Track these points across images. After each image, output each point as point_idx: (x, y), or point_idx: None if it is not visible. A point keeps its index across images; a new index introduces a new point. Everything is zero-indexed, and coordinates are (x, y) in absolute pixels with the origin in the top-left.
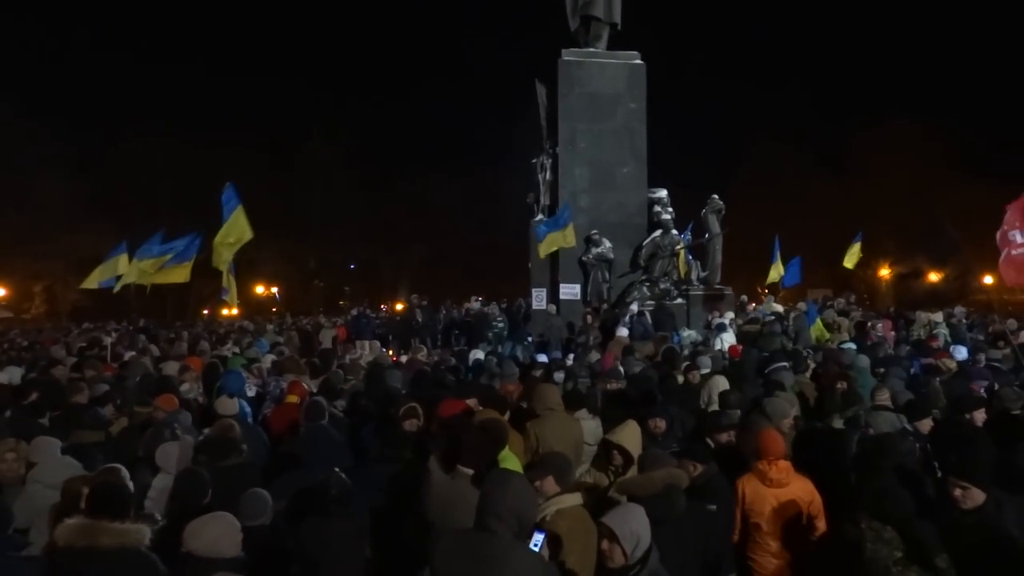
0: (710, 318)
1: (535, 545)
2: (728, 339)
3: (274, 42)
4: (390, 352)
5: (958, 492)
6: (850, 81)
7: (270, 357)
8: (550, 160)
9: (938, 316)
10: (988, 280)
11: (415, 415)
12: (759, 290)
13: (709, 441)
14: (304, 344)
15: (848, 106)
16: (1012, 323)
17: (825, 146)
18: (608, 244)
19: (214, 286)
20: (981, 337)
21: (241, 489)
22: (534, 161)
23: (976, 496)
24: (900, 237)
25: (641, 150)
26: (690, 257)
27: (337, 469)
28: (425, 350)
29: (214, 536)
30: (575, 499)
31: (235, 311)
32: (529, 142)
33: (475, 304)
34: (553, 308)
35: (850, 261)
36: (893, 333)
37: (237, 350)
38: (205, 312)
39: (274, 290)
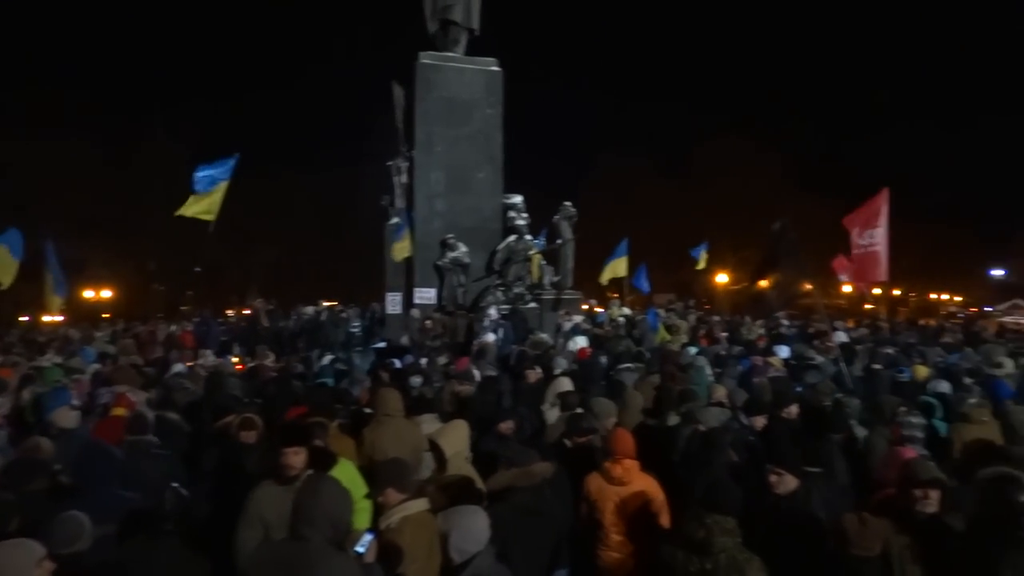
0: (561, 322)
1: (361, 547)
2: (581, 342)
3: (109, 36)
4: (236, 359)
5: (774, 478)
6: (695, 94)
7: (95, 367)
8: (406, 163)
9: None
10: (808, 286)
11: (252, 426)
12: (608, 295)
13: (567, 442)
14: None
15: (692, 118)
16: (839, 324)
17: (670, 157)
18: (464, 248)
19: (34, 290)
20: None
21: (55, 514)
22: (390, 164)
23: (789, 482)
24: (737, 245)
25: (497, 155)
26: (544, 262)
27: (176, 484)
28: (271, 357)
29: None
30: (420, 505)
31: (59, 317)
32: (385, 144)
33: (309, 309)
34: (417, 312)
35: (699, 264)
36: (727, 334)
37: (59, 360)
38: (24, 319)
39: None
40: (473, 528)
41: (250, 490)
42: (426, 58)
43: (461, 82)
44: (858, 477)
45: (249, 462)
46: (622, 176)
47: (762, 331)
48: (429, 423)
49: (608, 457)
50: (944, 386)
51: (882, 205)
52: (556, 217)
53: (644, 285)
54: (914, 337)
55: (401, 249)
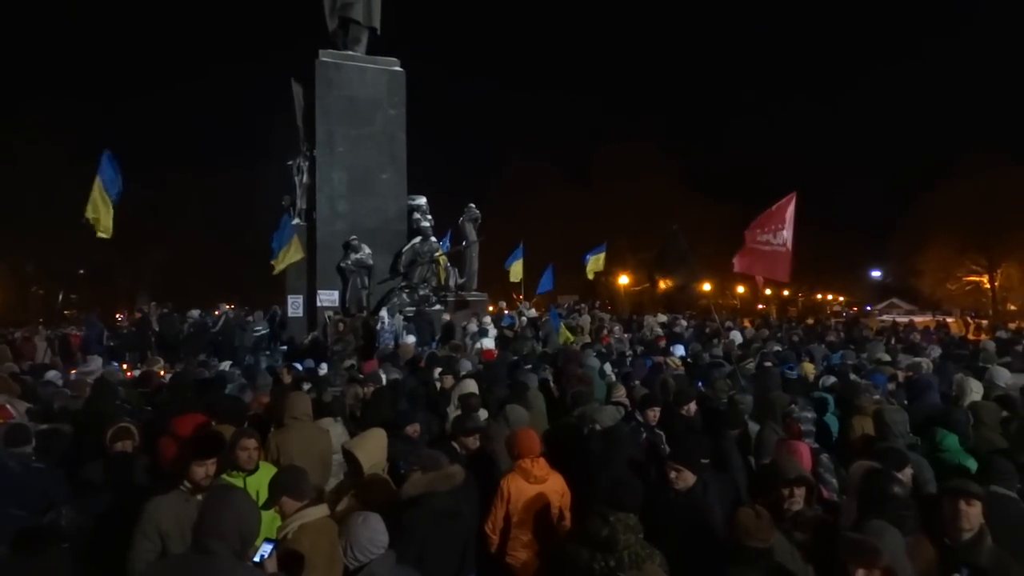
0: (466, 323)
1: (261, 556)
2: (486, 343)
3: None
4: (124, 366)
5: (673, 474)
6: (598, 98)
7: None
8: (307, 163)
9: (662, 319)
10: (707, 287)
11: (127, 435)
12: (515, 296)
13: (455, 445)
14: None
15: (595, 121)
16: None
17: (575, 159)
18: (367, 250)
19: None
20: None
21: None
22: (290, 163)
23: (688, 478)
24: (637, 248)
25: (401, 156)
26: (449, 264)
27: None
28: (162, 362)
29: None
30: (319, 511)
31: None
32: (285, 144)
33: (195, 313)
34: (333, 313)
35: (594, 268)
36: (628, 334)
37: None
38: None
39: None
40: (369, 534)
41: (138, 502)
42: (326, 56)
43: (363, 81)
44: (751, 471)
45: (135, 473)
46: (528, 178)
47: (661, 331)
48: (331, 428)
49: (516, 458)
50: (831, 381)
51: (790, 207)
52: (461, 219)
53: (550, 285)
54: (799, 335)
55: (285, 257)
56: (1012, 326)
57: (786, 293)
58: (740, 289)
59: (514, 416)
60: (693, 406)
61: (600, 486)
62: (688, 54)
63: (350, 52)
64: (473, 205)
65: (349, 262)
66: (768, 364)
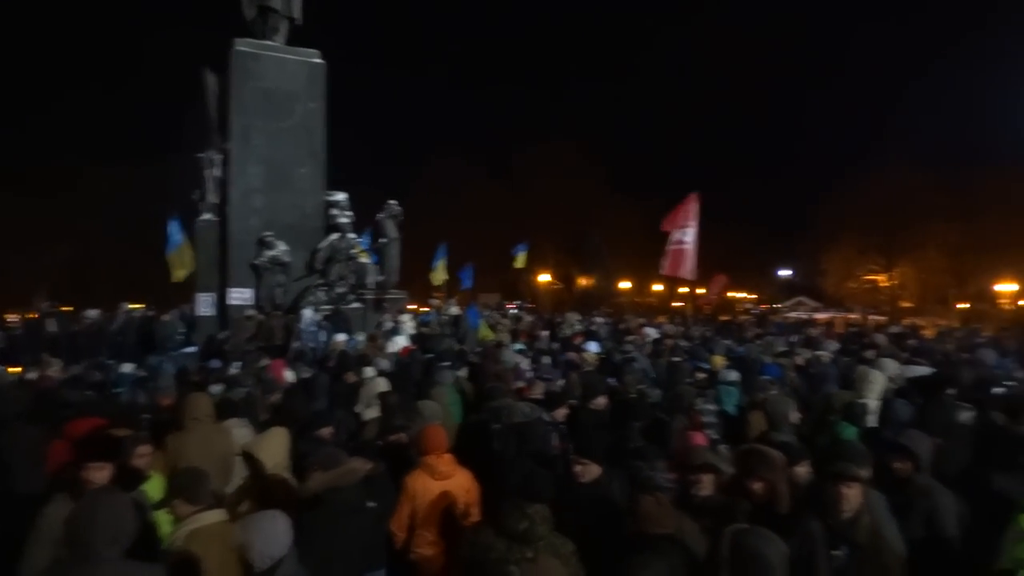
0: (383, 321)
1: None
2: (401, 341)
3: None
4: (15, 368)
5: (579, 468)
6: (522, 95)
7: None
8: (220, 156)
9: (576, 315)
10: (626, 285)
11: (19, 440)
12: (435, 294)
13: (380, 442)
14: None
15: (516, 120)
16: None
17: (497, 157)
18: (283, 247)
19: None
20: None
21: None
22: (201, 156)
23: (593, 471)
24: (558, 246)
25: (320, 151)
26: (374, 261)
27: None
28: (58, 365)
29: None
30: (214, 516)
31: None
32: (197, 135)
33: (92, 313)
34: (253, 312)
35: (519, 264)
36: (548, 332)
37: None
38: None
39: None
40: (274, 533)
41: (31, 509)
42: (243, 45)
43: (282, 73)
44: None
45: (25, 480)
46: (450, 175)
47: (579, 328)
48: (237, 429)
49: (423, 454)
50: (734, 375)
51: (692, 206)
52: (381, 215)
53: (469, 283)
54: (710, 332)
55: (179, 264)
56: (906, 322)
57: (701, 291)
58: (657, 287)
59: (428, 412)
60: (602, 400)
61: (511, 481)
62: (610, 54)
63: (268, 42)
64: (394, 202)
65: (264, 259)
66: (677, 359)
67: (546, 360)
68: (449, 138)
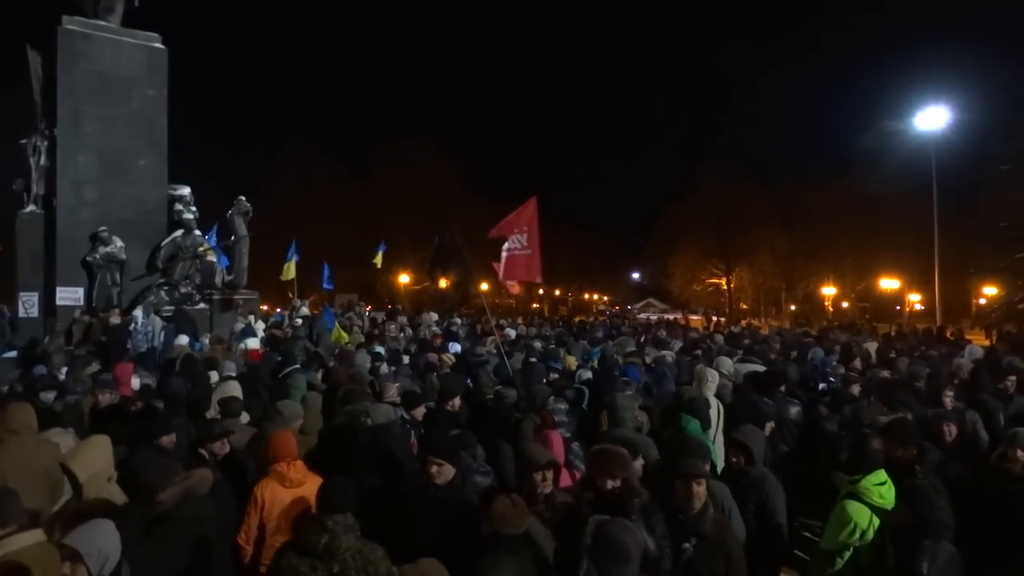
0: (234, 323)
1: None
2: (252, 343)
3: None
4: None
5: (434, 469)
6: (381, 92)
7: None
8: (46, 143)
9: (435, 317)
10: (484, 287)
11: None
12: (289, 295)
13: (203, 452)
14: None
15: (376, 115)
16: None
17: (352, 156)
18: (120, 243)
19: None
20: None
21: None
22: (24, 142)
23: (448, 471)
24: (418, 246)
25: (161, 142)
26: (223, 260)
27: None
28: None
29: None
30: (29, 538)
31: None
32: (18, 119)
33: None
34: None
35: (377, 263)
36: (409, 332)
37: None
38: None
39: None
40: (105, 542)
41: None
42: (71, 24)
43: (117, 56)
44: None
45: None
46: (305, 170)
47: (437, 329)
48: (61, 439)
49: (272, 462)
50: (588, 374)
51: (532, 211)
52: (230, 212)
53: (328, 283)
54: (564, 332)
55: None
56: (744, 322)
57: (557, 293)
58: (516, 289)
59: (288, 412)
60: (458, 401)
61: (368, 485)
62: (472, 58)
63: (102, 22)
64: (243, 198)
65: (97, 256)
66: (533, 360)
67: (405, 361)
68: (303, 132)
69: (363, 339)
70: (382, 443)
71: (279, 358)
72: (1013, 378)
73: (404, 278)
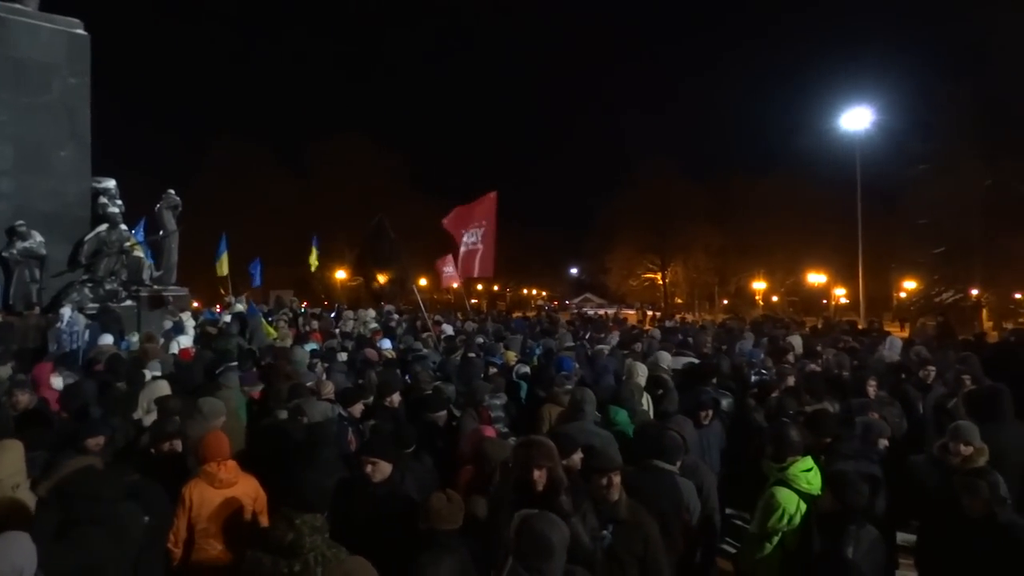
0: (163, 321)
1: None
2: (184, 341)
3: None
4: None
5: (369, 467)
6: (316, 84)
7: None
8: None
9: (371, 312)
10: (423, 282)
11: None
12: (222, 291)
13: (152, 451)
14: None
15: (312, 109)
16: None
17: (287, 149)
18: (39, 238)
19: None
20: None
21: None
22: None
23: (384, 469)
24: (353, 240)
25: (84, 132)
26: (150, 256)
27: None
28: None
29: None
30: None
31: None
32: None
33: None
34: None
35: (312, 260)
36: (339, 329)
37: None
38: None
39: None
40: (19, 557)
41: None
42: None
43: (34, 42)
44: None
45: None
46: (238, 164)
47: (375, 325)
48: None
49: (202, 462)
50: (526, 369)
51: (490, 207)
52: (159, 206)
53: (259, 280)
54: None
55: None
56: (678, 316)
57: (496, 288)
58: (455, 284)
59: (207, 408)
60: (396, 397)
61: (301, 485)
62: (413, 53)
63: (17, 5)
64: (173, 191)
65: (15, 251)
66: (472, 355)
67: (341, 357)
68: (238, 123)
69: (290, 336)
70: (319, 441)
71: (213, 356)
72: (932, 368)
73: (341, 274)
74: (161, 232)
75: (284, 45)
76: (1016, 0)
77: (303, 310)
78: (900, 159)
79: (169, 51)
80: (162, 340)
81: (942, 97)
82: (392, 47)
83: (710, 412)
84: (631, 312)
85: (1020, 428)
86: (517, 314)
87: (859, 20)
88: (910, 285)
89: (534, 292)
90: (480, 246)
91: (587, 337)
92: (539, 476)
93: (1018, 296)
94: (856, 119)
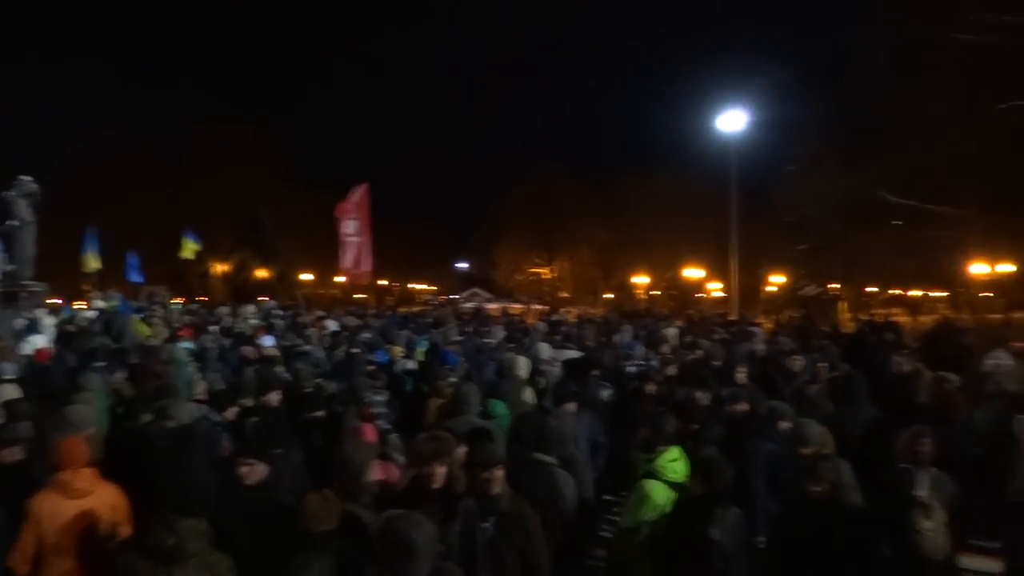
0: (16, 320)
1: None
2: (39, 341)
3: None
4: None
5: (245, 469)
6: (193, 72)
7: None
8: None
9: (252, 308)
10: (307, 276)
11: None
12: (84, 287)
13: None
14: None
15: (188, 97)
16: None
17: (166, 137)
18: None
19: None
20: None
21: None
22: None
23: (259, 471)
24: (233, 234)
25: None
26: (0, 248)
27: None
28: None
29: None
30: None
31: None
32: None
33: None
34: None
35: (187, 253)
36: (219, 327)
37: None
38: None
39: None
40: None
41: None
42: None
43: None
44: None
45: None
46: (106, 151)
47: (256, 321)
48: None
49: (56, 471)
50: (412, 364)
51: (362, 198)
52: (11, 194)
53: (136, 276)
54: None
55: None
56: (564, 310)
57: (383, 282)
58: (340, 279)
59: (77, 417)
60: (275, 396)
61: (169, 489)
62: (295, 41)
63: None
64: (28, 178)
65: None
66: (355, 351)
67: (212, 355)
68: (106, 107)
69: (166, 333)
70: (189, 442)
71: (73, 357)
72: (798, 358)
73: (221, 268)
74: (16, 222)
75: (152, 30)
76: (868, 14)
77: (176, 305)
78: (772, 160)
79: (27, 16)
80: (15, 340)
81: (808, 102)
82: (282, 42)
83: (575, 405)
84: (518, 306)
85: (871, 412)
86: (403, 309)
87: (739, 25)
88: (779, 280)
89: (422, 287)
90: (358, 238)
91: (472, 331)
92: (440, 472)
93: (871, 290)
94: (732, 120)
